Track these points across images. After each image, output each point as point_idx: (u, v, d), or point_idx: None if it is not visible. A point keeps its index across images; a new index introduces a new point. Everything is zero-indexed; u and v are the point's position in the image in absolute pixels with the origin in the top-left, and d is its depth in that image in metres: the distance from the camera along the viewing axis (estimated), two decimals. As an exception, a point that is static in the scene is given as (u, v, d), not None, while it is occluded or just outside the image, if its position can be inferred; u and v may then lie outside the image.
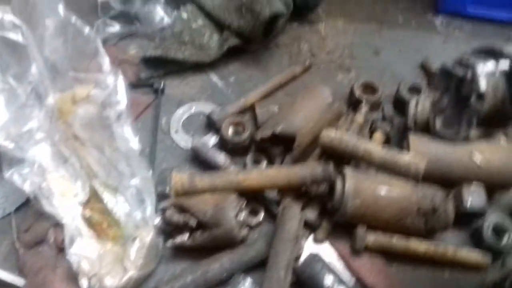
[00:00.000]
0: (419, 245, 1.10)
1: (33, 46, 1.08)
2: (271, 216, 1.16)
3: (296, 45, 1.54)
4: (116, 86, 1.07)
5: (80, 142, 1.13)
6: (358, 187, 1.08)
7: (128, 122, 1.09)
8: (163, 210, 1.09)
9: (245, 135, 1.25)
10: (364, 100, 1.33)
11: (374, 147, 1.15)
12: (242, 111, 1.35)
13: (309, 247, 1.13)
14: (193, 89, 1.43)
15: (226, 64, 1.48)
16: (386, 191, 1.09)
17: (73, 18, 1.06)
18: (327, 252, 1.12)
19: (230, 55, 1.47)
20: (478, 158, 1.15)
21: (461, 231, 1.15)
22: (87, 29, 1.06)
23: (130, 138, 1.09)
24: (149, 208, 1.10)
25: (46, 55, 1.08)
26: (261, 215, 1.16)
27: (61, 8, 1.06)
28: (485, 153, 1.16)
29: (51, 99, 1.10)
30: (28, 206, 1.15)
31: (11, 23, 1.07)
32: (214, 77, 1.45)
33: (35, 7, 1.07)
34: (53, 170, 1.14)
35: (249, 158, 1.25)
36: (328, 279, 1.01)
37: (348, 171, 1.11)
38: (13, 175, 1.11)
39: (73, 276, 1.04)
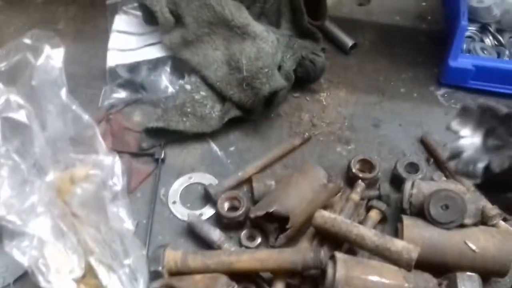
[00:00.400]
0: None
1: (36, 126, 1.12)
2: (263, 296, 1.17)
3: (297, 114, 1.57)
4: (113, 168, 1.10)
5: (77, 219, 1.15)
6: (349, 275, 1.08)
7: (124, 203, 1.12)
8: (154, 291, 1.11)
9: (240, 211, 1.27)
10: (361, 177, 1.34)
11: (367, 232, 1.15)
12: (239, 184, 1.37)
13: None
14: (193, 158, 1.46)
15: (226, 133, 1.51)
16: (377, 279, 1.08)
17: (74, 106, 1.10)
18: (317, 337, 1.12)
19: (231, 124, 1.50)
20: (473, 245, 1.15)
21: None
22: (86, 117, 1.11)
23: (124, 218, 1.11)
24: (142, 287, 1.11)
25: (48, 135, 1.12)
26: (253, 296, 1.17)
27: (63, 92, 1.10)
28: (480, 240, 1.16)
29: (51, 177, 1.14)
30: (27, 277, 1.18)
31: (16, 103, 1.12)
32: (214, 147, 1.48)
33: (39, 90, 1.12)
34: (51, 244, 1.17)
35: (243, 234, 1.27)
36: None
37: (340, 256, 1.11)
38: (13, 249, 1.14)
39: None
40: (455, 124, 1.04)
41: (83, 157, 1.12)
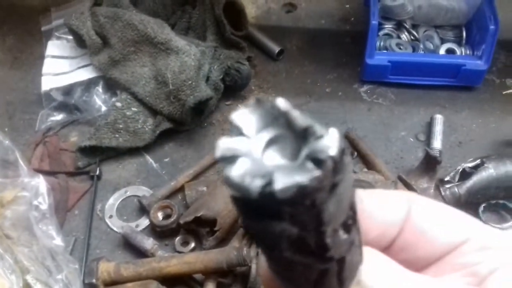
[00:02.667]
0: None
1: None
2: (198, 297, 1.23)
3: (229, 122, 1.63)
4: (38, 189, 1.15)
5: (11, 240, 1.20)
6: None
7: (52, 221, 1.17)
8: (89, 302, 1.16)
9: (172, 218, 1.33)
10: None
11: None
12: (173, 193, 1.43)
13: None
14: (129, 172, 1.51)
15: (161, 145, 1.57)
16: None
17: (-7, 133, 1.15)
18: (249, 331, 1.18)
19: (165, 135, 1.56)
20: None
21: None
22: (7, 141, 1.16)
23: (54, 235, 1.16)
24: (76, 301, 1.16)
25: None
26: (186, 298, 1.22)
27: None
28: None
29: (-19, 203, 1.18)
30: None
31: None
32: (149, 159, 1.54)
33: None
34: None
35: (177, 240, 1.32)
36: None
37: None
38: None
39: None
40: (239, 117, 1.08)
41: (10, 180, 1.16)
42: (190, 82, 1.45)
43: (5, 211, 1.18)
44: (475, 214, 1.35)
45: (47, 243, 1.16)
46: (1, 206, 1.19)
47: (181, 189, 1.44)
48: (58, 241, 1.16)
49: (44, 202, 1.15)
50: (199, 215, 1.27)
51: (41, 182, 1.16)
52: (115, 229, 1.38)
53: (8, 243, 1.22)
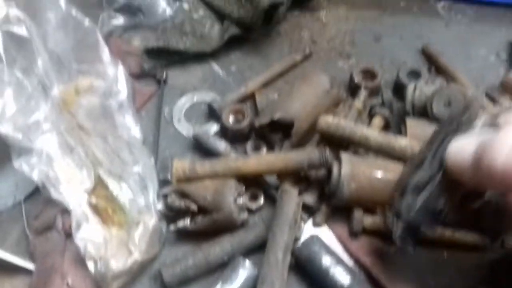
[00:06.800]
0: (415, 227, 1.11)
1: (37, 40, 1.12)
2: (272, 201, 1.19)
3: (297, 32, 1.56)
4: (117, 77, 1.11)
5: (84, 131, 1.17)
6: (354, 171, 1.10)
7: (129, 111, 1.13)
8: (165, 196, 1.13)
9: (245, 122, 1.28)
10: (363, 85, 1.34)
11: (371, 132, 1.17)
12: (242, 100, 1.38)
13: (309, 230, 1.15)
14: (195, 78, 1.46)
15: (227, 54, 1.50)
16: (382, 174, 1.11)
17: (74, 11, 1.09)
18: (326, 235, 1.15)
19: (231, 44, 1.49)
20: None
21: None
22: (86, 21, 1.10)
23: (131, 126, 1.13)
24: (152, 194, 1.13)
25: (50, 48, 1.11)
26: (261, 199, 1.19)
27: (62, 1, 1.09)
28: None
29: (56, 91, 1.15)
30: (38, 194, 1.20)
31: (16, 17, 1.11)
32: (215, 67, 1.48)
33: (37, 1, 1.11)
34: (60, 159, 1.19)
35: (249, 145, 1.28)
36: (326, 260, 1.04)
37: (344, 156, 1.13)
38: (22, 165, 1.16)
39: (80, 259, 1.08)
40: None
41: (87, 66, 1.12)
42: (264, -18, 1.36)
43: (80, 99, 1.14)
44: None
45: (124, 134, 1.12)
46: (76, 94, 1.15)
47: (250, 96, 1.39)
48: (135, 132, 1.13)
49: (123, 90, 1.11)
50: (276, 116, 1.21)
51: (120, 70, 1.11)
52: (183, 132, 1.34)
53: (81, 134, 1.19)
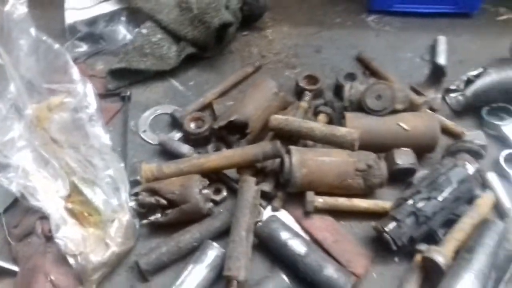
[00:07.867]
0: (361, 203, 1.27)
1: (10, 66, 1.24)
2: (234, 193, 1.32)
3: (247, 49, 1.74)
4: (86, 92, 1.23)
5: (57, 144, 1.28)
6: (303, 158, 1.26)
7: (99, 122, 1.25)
8: (136, 194, 1.25)
9: (205, 127, 1.43)
10: (307, 89, 1.52)
11: (316, 125, 1.34)
12: (202, 109, 1.53)
13: (268, 215, 1.29)
14: (157, 94, 1.60)
15: (185, 71, 1.66)
16: (327, 158, 1.27)
17: (44, 37, 1.23)
18: (284, 218, 1.28)
19: (188, 62, 1.65)
20: (405, 125, 1.35)
21: (396, 189, 1.33)
22: (56, 46, 1.23)
23: (101, 135, 1.24)
24: (124, 194, 1.24)
25: (22, 72, 1.23)
26: (224, 192, 1.32)
27: (32, 30, 1.22)
28: (410, 121, 1.36)
29: (29, 111, 1.26)
30: (16, 206, 1.30)
31: (-11, 45, 1.23)
32: (175, 83, 1.63)
33: (9, 31, 1.23)
34: (36, 172, 1.29)
35: (210, 147, 1.42)
36: (284, 235, 1.18)
37: (293, 147, 1.29)
38: (0, 179, 1.25)
39: (61, 259, 1.17)
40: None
41: (58, 86, 1.24)
42: (214, 4, 1.54)
43: (53, 115, 1.26)
44: (478, 116, 1.48)
45: (96, 143, 1.24)
46: (49, 110, 1.26)
47: (209, 106, 1.54)
48: (105, 139, 1.24)
49: (92, 104, 1.23)
50: (232, 119, 1.36)
51: (88, 86, 1.23)
52: (149, 141, 1.47)
53: (55, 147, 1.30)
